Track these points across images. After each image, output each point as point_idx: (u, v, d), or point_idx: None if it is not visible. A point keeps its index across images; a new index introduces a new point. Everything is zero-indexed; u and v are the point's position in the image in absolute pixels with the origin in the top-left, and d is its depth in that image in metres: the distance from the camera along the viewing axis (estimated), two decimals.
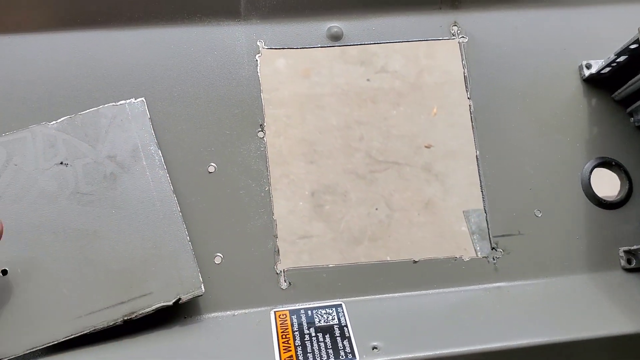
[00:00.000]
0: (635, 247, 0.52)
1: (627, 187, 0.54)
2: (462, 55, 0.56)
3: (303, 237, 0.51)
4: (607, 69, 0.54)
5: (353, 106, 0.55)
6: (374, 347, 0.43)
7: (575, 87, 0.56)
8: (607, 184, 0.55)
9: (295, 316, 0.46)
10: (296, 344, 0.43)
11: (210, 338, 0.45)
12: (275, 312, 0.47)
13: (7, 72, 0.51)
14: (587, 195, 0.53)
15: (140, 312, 0.44)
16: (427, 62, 0.56)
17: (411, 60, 0.56)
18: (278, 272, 0.49)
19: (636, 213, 0.53)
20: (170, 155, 0.50)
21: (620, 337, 0.44)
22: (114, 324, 0.44)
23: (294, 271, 0.49)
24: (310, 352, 0.43)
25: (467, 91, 0.55)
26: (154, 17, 0.54)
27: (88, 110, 0.49)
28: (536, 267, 0.51)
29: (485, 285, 0.50)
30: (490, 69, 0.56)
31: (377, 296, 0.49)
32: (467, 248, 0.51)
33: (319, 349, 0.43)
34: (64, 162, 0.47)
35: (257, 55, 0.55)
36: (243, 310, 0.48)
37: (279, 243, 0.50)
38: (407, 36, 0.57)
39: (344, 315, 0.46)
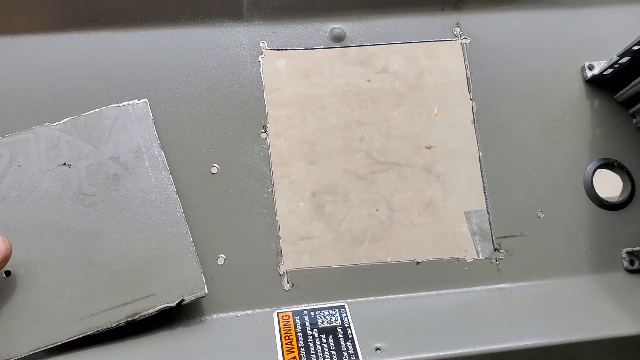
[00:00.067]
0: (637, 248, 0.52)
1: (629, 188, 0.54)
2: (464, 56, 0.56)
3: (304, 237, 0.51)
4: (610, 70, 0.54)
5: (353, 107, 0.55)
6: (377, 348, 0.43)
7: (578, 88, 0.56)
8: (609, 185, 0.55)
9: (298, 317, 0.46)
10: (299, 345, 0.43)
11: (213, 339, 0.45)
12: (278, 313, 0.47)
13: (11, 73, 0.51)
14: (589, 197, 0.53)
15: (144, 313, 0.44)
16: (427, 62, 0.56)
17: (411, 60, 0.56)
18: (281, 273, 0.49)
19: (639, 214, 0.53)
20: (173, 156, 0.50)
21: (623, 338, 0.44)
22: (117, 325, 0.44)
23: (296, 272, 0.49)
24: (313, 354, 0.43)
25: (469, 92, 0.55)
26: (156, 18, 0.54)
27: (91, 111, 0.49)
28: (539, 269, 0.51)
29: (488, 287, 0.50)
30: (493, 70, 0.56)
31: (380, 297, 0.49)
32: (468, 249, 0.51)
33: (322, 350, 0.43)
34: (67, 163, 0.47)
35: (259, 57, 0.55)
36: (246, 311, 0.48)
37: (282, 244, 0.50)
38: (410, 37, 0.57)
39: (347, 316, 0.46)
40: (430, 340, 0.44)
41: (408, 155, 0.54)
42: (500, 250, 0.52)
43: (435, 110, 0.55)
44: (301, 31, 0.56)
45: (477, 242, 0.52)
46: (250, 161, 0.52)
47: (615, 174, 0.55)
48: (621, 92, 0.55)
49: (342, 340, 0.44)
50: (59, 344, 0.43)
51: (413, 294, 0.49)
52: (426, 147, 0.54)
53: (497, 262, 0.51)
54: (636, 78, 0.52)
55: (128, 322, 0.44)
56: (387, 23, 0.57)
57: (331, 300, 0.49)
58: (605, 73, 0.55)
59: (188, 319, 0.47)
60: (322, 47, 0.56)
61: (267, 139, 0.53)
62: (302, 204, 0.52)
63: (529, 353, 0.43)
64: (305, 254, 0.50)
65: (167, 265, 0.45)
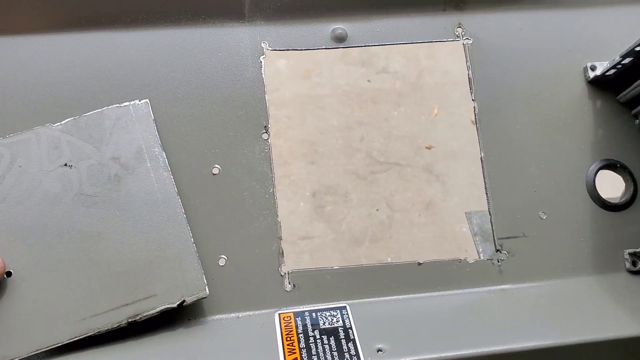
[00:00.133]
0: None
1: (632, 189, 0.54)
2: (466, 56, 0.56)
3: (304, 237, 0.51)
4: (612, 71, 0.54)
5: (354, 107, 0.55)
6: (379, 350, 0.43)
7: (580, 88, 0.56)
8: (611, 186, 0.55)
9: (299, 318, 0.46)
10: (301, 347, 0.43)
11: (214, 340, 0.45)
12: (279, 314, 0.47)
13: (12, 73, 0.51)
14: (592, 197, 0.53)
15: (145, 314, 0.44)
16: (428, 62, 0.56)
17: (412, 60, 0.56)
18: (282, 274, 0.49)
19: None
20: (174, 157, 0.50)
21: (625, 339, 0.44)
22: (118, 326, 0.44)
23: (298, 273, 0.49)
24: (315, 355, 0.43)
25: (471, 93, 0.55)
26: (158, 18, 0.54)
27: (92, 112, 0.49)
28: (541, 270, 0.51)
29: (490, 288, 0.50)
30: (495, 71, 0.56)
31: (382, 298, 0.49)
32: (469, 249, 0.51)
33: (324, 352, 0.43)
34: (68, 164, 0.47)
35: (261, 57, 0.55)
36: (247, 312, 0.48)
37: (283, 245, 0.50)
38: (412, 38, 0.56)
39: (348, 317, 0.46)
40: (431, 341, 0.44)
41: (408, 156, 0.54)
42: (502, 251, 0.51)
43: (436, 111, 0.55)
44: (303, 31, 0.56)
45: (478, 242, 0.52)
46: (252, 162, 0.52)
47: (617, 175, 0.55)
48: (624, 92, 0.55)
49: (343, 341, 0.44)
50: (60, 344, 0.43)
51: (415, 295, 0.49)
52: (426, 147, 0.54)
53: (499, 263, 0.51)
54: (639, 79, 0.52)
55: (129, 323, 0.44)
56: (389, 23, 0.56)
57: (332, 301, 0.48)
58: (607, 74, 0.54)
59: (189, 319, 0.47)
60: (323, 47, 0.56)
61: (269, 140, 0.53)
62: (302, 204, 0.52)
63: (531, 354, 0.43)
64: (305, 254, 0.50)
65: (168, 266, 0.45)
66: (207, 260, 0.48)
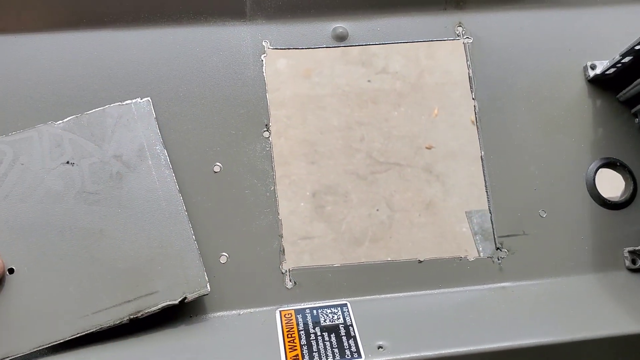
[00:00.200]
0: (639, 247, 0.52)
1: (631, 187, 0.54)
2: (467, 56, 0.56)
3: (304, 237, 0.51)
4: (612, 70, 0.54)
5: (354, 107, 0.55)
6: (380, 347, 0.43)
7: (580, 87, 0.56)
8: (611, 184, 0.55)
9: (300, 315, 0.46)
10: (302, 344, 0.43)
11: (215, 337, 0.45)
12: (280, 311, 0.47)
13: (14, 71, 0.52)
14: (591, 196, 0.53)
15: (146, 311, 0.44)
16: (428, 62, 0.56)
17: (412, 60, 0.56)
18: (283, 271, 0.49)
19: None
20: (175, 155, 0.50)
21: (625, 337, 0.44)
22: (120, 322, 0.44)
23: (299, 271, 0.50)
24: (316, 352, 0.43)
25: (472, 92, 0.56)
26: (159, 17, 0.54)
27: (94, 110, 0.49)
28: (541, 268, 0.51)
29: (490, 285, 0.50)
30: (495, 70, 0.56)
31: (383, 296, 0.49)
32: (469, 249, 0.51)
33: (325, 348, 0.43)
34: (70, 162, 0.47)
35: (262, 56, 0.55)
36: (248, 310, 0.48)
37: (284, 243, 0.50)
38: (412, 37, 0.57)
39: (349, 314, 0.46)
40: (432, 339, 0.44)
41: (408, 156, 0.54)
42: (503, 249, 0.52)
43: (436, 111, 0.55)
44: (304, 30, 0.56)
45: (478, 241, 0.52)
46: (253, 160, 0.52)
47: (617, 174, 0.55)
48: (624, 91, 0.55)
49: (344, 338, 0.44)
50: (61, 341, 0.43)
51: (415, 293, 0.50)
52: (426, 148, 0.54)
53: (499, 261, 0.51)
54: (639, 77, 0.52)
55: (131, 320, 0.44)
56: (389, 22, 0.57)
57: (333, 299, 0.49)
58: (607, 73, 0.55)
59: (190, 317, 0.47)
60: (324, 46, 0.56)
61: (270, 138, 0.53)
62: (302, 204, 0.52)
63: (531, 352, 0.43)
64: (306, 254, 0.50)
65: (170, 263, 0.45)
66: (208, 257, 0.48)
